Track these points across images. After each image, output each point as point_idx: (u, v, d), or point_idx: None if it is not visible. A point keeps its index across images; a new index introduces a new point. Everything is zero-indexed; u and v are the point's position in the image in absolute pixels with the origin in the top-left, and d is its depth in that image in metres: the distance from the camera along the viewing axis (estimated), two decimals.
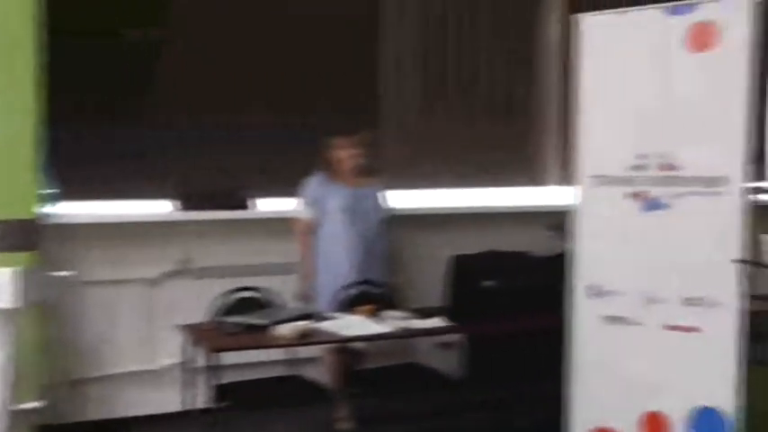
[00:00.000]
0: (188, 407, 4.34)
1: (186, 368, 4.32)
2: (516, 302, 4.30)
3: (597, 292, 3.99)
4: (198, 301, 4.55)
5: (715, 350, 3.68)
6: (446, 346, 4.84)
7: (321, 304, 4.71)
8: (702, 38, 3.72)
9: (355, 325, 4.29)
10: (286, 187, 4.96)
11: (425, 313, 4.45)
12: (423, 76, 5.70)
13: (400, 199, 5.19)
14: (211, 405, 4.12)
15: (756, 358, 3.81)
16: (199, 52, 5.19)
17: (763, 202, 4.12)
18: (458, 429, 4.81)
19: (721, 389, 3.67)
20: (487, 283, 4.41)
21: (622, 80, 3.93)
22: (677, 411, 3.79)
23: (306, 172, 4.87)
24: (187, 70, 5.21)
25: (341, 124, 5.10)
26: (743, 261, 3.37)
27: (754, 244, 2.99)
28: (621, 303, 3.92)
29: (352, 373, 4.73)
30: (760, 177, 6.14)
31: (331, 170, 4.87)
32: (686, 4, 3.78)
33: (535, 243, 4.89)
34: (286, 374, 4.56)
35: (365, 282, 4.75)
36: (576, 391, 4.05)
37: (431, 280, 4.83)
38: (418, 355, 4.91)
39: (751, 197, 3.69)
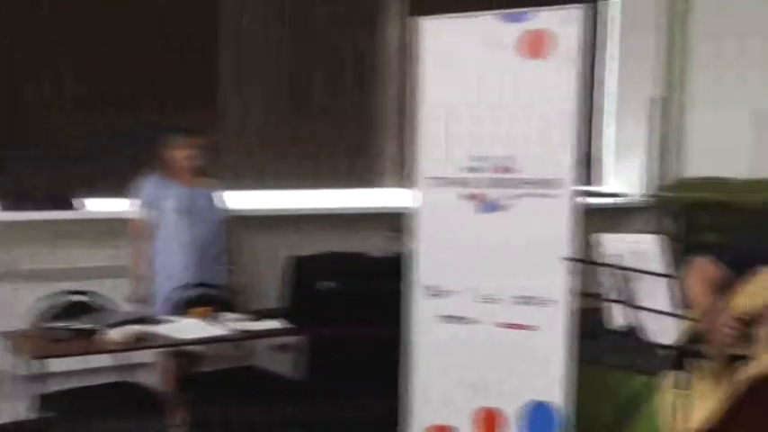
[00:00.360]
0: (10, 419, 4.09)
1: (6, 377, 4.07)
2: (355, 303, 4.29)
3: (434, 293, 4.05)
4: (24, 306, 4.29)
5: (547, 347, 3.82)
6: (284, 348, 4.78)
7: (156, 307, 4.55)
8: (536, 45, 3.85)
9: (190, 328, 4.17)
10: (117, 187, 4.77)
11: (263, 315, 4.38)
12: (263, 75, 5.62)
13: (238, 200, 5.09)
14: (35, 415, 3.90)
15: (587, 356, 3.97)
16: (23, 48, 4.91)
17: (593, 204, 4.29)
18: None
19: (553, 385, 3.81)
20: (326, 285, 4.38)
21: (459, 83, 4.00)
22: (511, 407, 3.90)
23: (138, 172, 4.70)
24: (7, 68, 4.91)
25: (178, 123, 4.95)
26: (573, 259, 3.49)
27: (586, 244, 3.09)
28: (458, 303, 4.00)
29: (187, 378, 4.59)
30: (588, 181, 6.44)
31: (167, 170, 4.72)
32: (521, 12, 3.90)
33: (374, 245, 4.91)
34: (117, 381, 4.38)
35: (201, 284, 4.63)
36: (413, 391, 4.09)
37: (269, 282, 4.77)
38: (256, 358, 4.82)
39: (581, 200, 3.84)
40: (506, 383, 3.89)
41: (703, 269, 2.67)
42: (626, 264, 2.39)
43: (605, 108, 6.75)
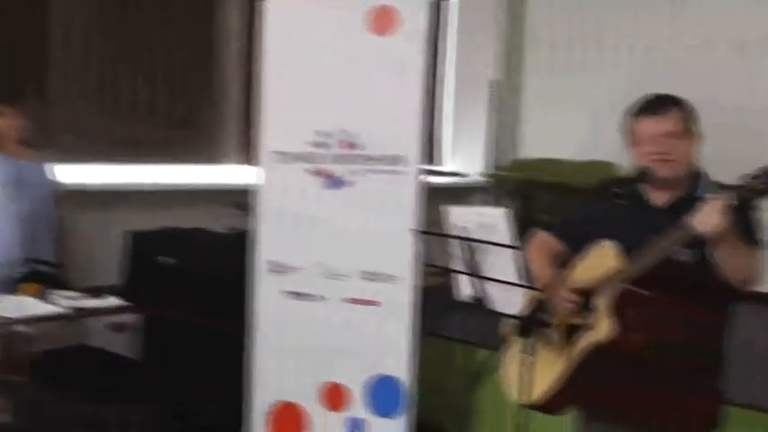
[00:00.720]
0: None
1: None
2: (196, 281, 4.20)
3: (279, 269, 4.00)
4: None
5: (392, 322, 3.85)
6: (121, 327, 4.61)
7: None
8: (383, 21, 3.85)
9: (18, 306, 3.96)
10: None
11: (98, 292, 4.20)
12: (97, 46, 5.38)
13: (73, 174, 4.86)
14: None
15: (434, 330, 4.05)
16: None
17: (434, 184, 4.35)
18: (133, 414, 4.60)
19: (398, 359, 3.85)
20: (165, 261, 4.26)
21: (305, 58, 3.95)
22: (356, 382, 3.92)
23: None
24: None
25: (3, 92, 4.67)
26: (421, 232, 3.53)
27: (431, 221, 3.12)
28: (303, 279, 3.96)
29: (14, 359, 4.36)
30: (431, 160, 6.55)
31: None
32: None
33: (218, 221, 4.81)
34: None
35: (31, 260, 4.39)
36: (257, 368, 4.04)
37: (107, 258, 4.59)
38: (90, 337, 4.63)
39: (426, 178, 3.89)
40: (352, 359, 3.90)
41: (543, 243, 2.76)
42: (473, 236, 2.43)
43: (446, 89, 6.86)
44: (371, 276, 3.87)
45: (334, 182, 3.92)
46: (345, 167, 3.90)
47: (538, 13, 6.71)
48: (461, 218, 2.45)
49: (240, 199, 4.33)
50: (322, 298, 3.94)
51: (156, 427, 4.11)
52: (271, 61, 4.00)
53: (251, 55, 4.63)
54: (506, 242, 2.36)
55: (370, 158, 3.87)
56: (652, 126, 2.54)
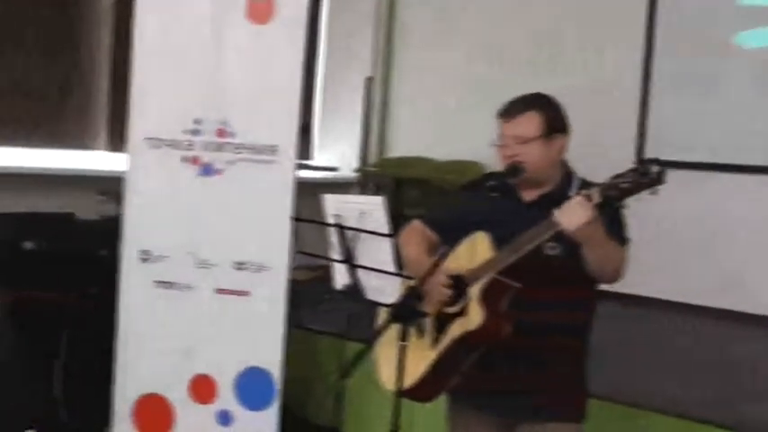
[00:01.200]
0: None
1: None
2: (62, 267, 4.06)
3: (149, 258, 3.92)
4: None
5: (263, 313, 3.82)
6: None
7: None
8: (260, 10, 3.83)
9: None
10: None
11: None
12: None
13: None
14: None
15: (305, 322, 4.05)
16: None
17: (307, 178, 4.33)
18: None
19: (267, 350, 3.82)
20: (28, 245, 4.10)
21: (180, 44, 3.89)
22: (225, 374, 3.87)
23: None
24: None
25: None
26: (296, 219, 3.52)
27: (303, 212, 3.10)
28: (173, 268, 3.89)
29: None
30: (307, 154, 6.53)
31: None
32: None
33: (87, 207, 4.66)
34: None
35: None
36: (124, 360, 3.93)
37: None
38: None
39: (298, 169, 3.88)
40: (222, 350, 3.85)
41: (418, 232, 2.80)
42: (348, 224, 2.44)
43: (319, 83, 6.86)
44: (243, 266, 3.83)
45: (208, 170, 3.86)
46: (219, 155, 3.85)
47: (410, 11, 6.81)
48: (337, 206, 2.46)
49: (110, 186, 4.22)
50: (192, 288, 3.87)
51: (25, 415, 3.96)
52: (143, 46, 3.91)
53: (123, 39, 4.51)
54: (382, 230, 2.38)
55: (245, 147, 3.83)
56: (505, 128, 2.64)
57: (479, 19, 6.41)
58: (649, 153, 5.43)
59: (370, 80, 6.81)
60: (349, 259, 2.46)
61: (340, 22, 6.84)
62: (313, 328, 4.34)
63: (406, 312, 2.33)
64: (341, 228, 2.43)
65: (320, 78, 6.81)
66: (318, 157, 6.92)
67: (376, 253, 2.40)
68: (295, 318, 3.99)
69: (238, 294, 3.84)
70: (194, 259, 3.87)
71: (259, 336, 3.84)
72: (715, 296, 5.25)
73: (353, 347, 4.15)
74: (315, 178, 6.42)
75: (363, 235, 2.40)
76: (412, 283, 2.48)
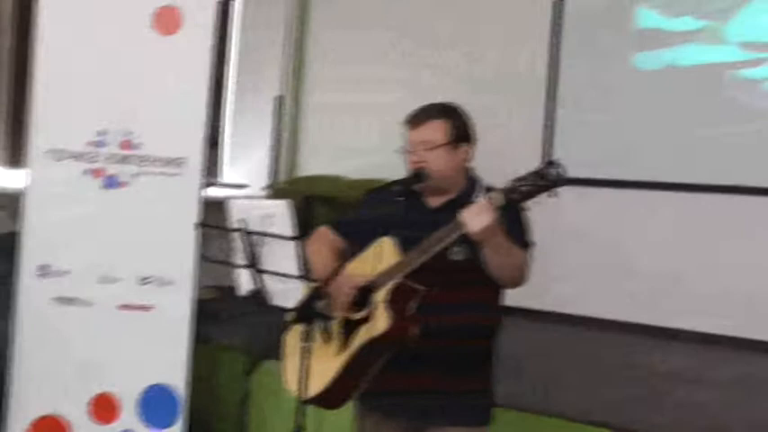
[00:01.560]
0: None
1: None
2: None
3: (48, 273, 3.81)
4: None
5: (167, 328, 3.77)
6: None
7: None
8: (167, 21, 3.81)
9: None
10: None
11: None
12: None
13: None
14: None
15: (203, 336, 3.99)
16: None
17: (215, 197, 4.25)
18: None
19: (172, 367, 3.76)
20: None
21: (85, 55, 3.82)
22: (127, 391, 3.79)
23: None
24: None
25: None
26: (201, 225, 3.47)
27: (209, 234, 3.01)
28: (74, 284, 3.81)
29: None
30: (215, 170, 6.47)
31: None
32: None
33: None
34: None
35: None
36: (19, 380, 3.80)
37: None
38: None
39: (205, 184, 3.85)
40: (125, 368, 3.77)
41: (325, 238, 2.81)
42: (254, 228, 2.42)
43: (229, 99, 6.81)
44: (147, 280, 3.77)
45: (112, 182, 3.79)
46: (124, 168, 3.79)
47: (321, 29, 6.84)
48: (242, 210, 2.44)
49: (8, 201, 4.10)
50: (94, 303, 3.79)
51: None
52: (46, 56, 3.83)
53: (23, 49, 4.39)
54: (287, 234, 2.37)
55: (150, 159, 3.78)
56: (412, 135, 2.68)
57: (390, 36, 6.47)
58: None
59: (279, 99, 6.81)
60: (254, 264, 2.44)
61: (250, 39, 6.82)
62: (218, 343, 4.27)
63: (309, 312, 2.32)
64: (246, 232, 2.40)
65: (230, 95, 6.75)
66: (228, 175, 6.86)
67: (281, 257, 2.38)
68: (201, 332, 3.94)
69: (142, 309, 3.77)
70: (97, 274, 3.78)
71: (163, 352, 3.78)
72: (617, 309, 5.39)
73: (262, 360, 4.12)
74: (224, 196, 6.34)
75: (268, 239, 2.38)
76: (318, 287, 2.47)
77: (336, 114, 6.72)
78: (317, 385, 2.56)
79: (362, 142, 6.42)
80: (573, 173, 5.37)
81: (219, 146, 6.72)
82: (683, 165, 5.33)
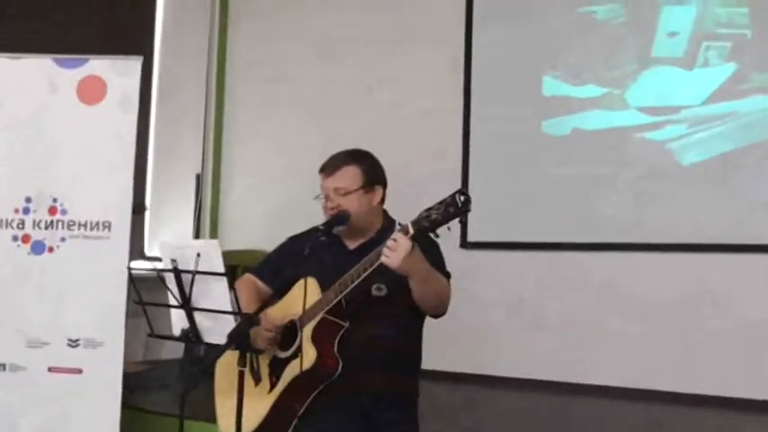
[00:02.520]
0: None
1: None
2: None
3: None
4: None
5: (97, 391, 3.79)
6: None
7: None
8: (92, 91, 3.94)
9: None
10: None
11: None
12: None
13: None
14: None
15: (132, 403, 4.01)
16: None
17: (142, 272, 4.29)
18: None
19: (104, 428, 3.76)
20: None
21: (13, 122, 3.93)
22: None
23: None
24: None
25: None
26: (133, 270, 3.50)
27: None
28: (2, 348, 3.81)
29: None
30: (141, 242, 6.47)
31: None
32: (77, 58, 3.97)
33: None
34: None
35: None
36: None
37: None
38: None
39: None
40: (56, 429, 3.76)
41: (250, 283, 2.94)
42: (184, 268, 2.53)
43: (150, 177, 6.80)
44: (76, 343, 3.81)
45: (39, 247, 3.85)
46: (51, 233, 3.86)
47: (238, 108, 7.02)
48: (173, 251, 2.54)
49: None
50: (24, 368, 3.80)
51: None
52: None
53: None
54: (218, 271, 2.48)
55: (77, 224, 3.86)
56: (326, 182, 2.85)
57: (307, 114, 6.68)
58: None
59: (198, 177, 6.91)
60: (186, 303, 2.54)
61: (168, 121, 6.90)
62: (147, 409, 4.28)
63: (243, 336, 2.42)
64: (177, 272, 2.51)
65: (150, 172, 6.78)
66: (150, 250, 6.85)
67: (212, 294, 2.49)
68: (129, 401, 3.97)
69: (72, 372, 3.80)
70: (25, 338, 3.81)
71: (93, 415, 3.79)
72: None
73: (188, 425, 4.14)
74: (147, 269, 6.32)
75: (199, 277, 2.49)
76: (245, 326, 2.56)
77: (257, 190, 6.86)
78: (250, 423, 2.65)
79: (283, 217, 6.52)
80: (486, 237, 5.67)
81: (142, 217, 6.71)
82: (592, 225, 5.59)
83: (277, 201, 6.70)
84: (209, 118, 7.01)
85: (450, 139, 6.03)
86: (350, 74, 6.49)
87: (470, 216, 5.28)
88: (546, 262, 5.70)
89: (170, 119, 6.82)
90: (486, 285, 5.73)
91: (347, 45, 6.51)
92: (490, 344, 5.67)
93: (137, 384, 4.42)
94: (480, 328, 5.61)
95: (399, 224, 2.74)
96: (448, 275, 2.78)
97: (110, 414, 3.78)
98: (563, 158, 5.73)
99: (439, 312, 2.76)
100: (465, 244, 5.75)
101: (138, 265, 5.80)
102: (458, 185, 5.87)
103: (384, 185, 2.90)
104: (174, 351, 6.17)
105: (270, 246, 6.13)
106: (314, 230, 2.83)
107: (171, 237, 6.63)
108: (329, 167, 2.86)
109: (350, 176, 2.82)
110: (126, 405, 3.88)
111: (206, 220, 6.93)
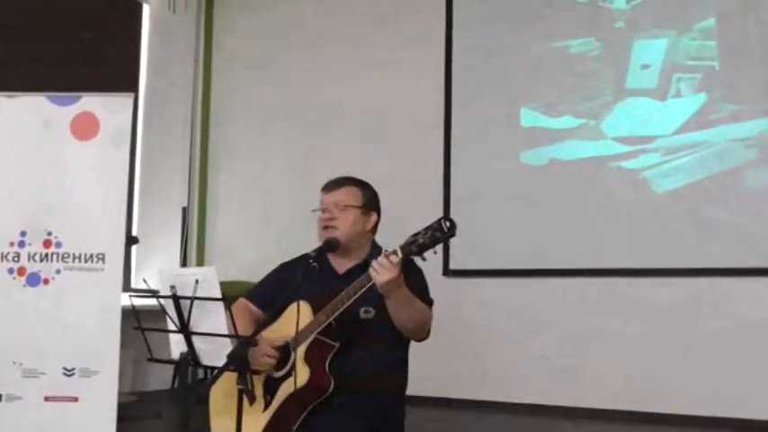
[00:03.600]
0: None
1: None
2: None
3: None
4: None
5: (93, 418, 3.86)
6: None
7: None
8: (85, 127, 4.05)
9: None
10: None
11: None
12: None
13: None
14: None
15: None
16: None
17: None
18: None
19: None
20: None
21: (7, 157, 4.02)
22: None
23: None
24: None
25: None
26: (132, 290, 3.62)
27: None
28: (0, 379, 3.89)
29: None
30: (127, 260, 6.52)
31: None
32: (70, 96, 4.09)
33: None
34: None
35: None
36: None
37: None
38: None
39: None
40: None
41: (243, 308, 3.07)
42: (182, 294, 2.64)
43: (136, 211, 6.89)
44: (71, 372, 3.89)
45: (35, 279, 3.95)
46: (46, 265, 3.95)
47: (223, 143, 7.17)
48: (172, 278, 2.66)
49: None
50: (19, 397, 3.87)
51: None
52: None
53: None
54: (216, 297, 2.60)
55: (71, 256, 3.96)
56: (327, 197, 3.01)
57: (295, 141, 6.83)
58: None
59: (185, 209, 7.02)
60: (184, 328, 2.65)
61: (154, 155, 7.00)
62: None
63: (242, 357, 2.53)
64: (176, 298, 2.63)
65: (136, 205, 6.87)
66: (135, 283, 6.92)
67: (210, 319, 2.60)
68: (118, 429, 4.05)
69: (68, 401, 3.88)
70: (21, 369, 3.89)
71: None
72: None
73: None
74: (147, 295, 6.38)
75: (197, 302, 2.61)
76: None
77: (243, 222, 6.98)
78: None
79: (269, 248, 6.63)
80: (468, 264, 5.79)
81: (129, 250, 6.77)
82: (570, 252, 5.74)
83: (263, 233, 6.82)
84: (194, 152, 7.14)
85: (431, 169, 6.19)
86: (331, 101, 6.65)
87: (452, 244, 5.46)
88: (527, 289, 5.85)
89: (156, 153, 6.94)
90: (467, 312, 5.86)
91: (331, 74, 6.69)
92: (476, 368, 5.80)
93: (125, 414, 4.49)
94: (463, 353, 5.74)
95: (386, 250, 2.88)
96: (430, 302, 2.92)
97: None
98: (541, 187, 5.90)
99: (418, 337, 2.90)
100: (447, 272, 5.90)
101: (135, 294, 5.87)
102: (439, 214, 6.02)
103: (379, 215, 3.05)
104: (163, 382, 6.26)
105: (256, 276, 6.27)
106: (305, 257, 2.96)
107: (159, 269, 6.70)
108: (332, 184, 3.02)
109: (351, 194, 2.99)
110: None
111: (192, 253, 7.03)
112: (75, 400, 3.88)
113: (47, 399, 3.88)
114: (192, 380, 5.00)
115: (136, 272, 6.83)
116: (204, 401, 3.07)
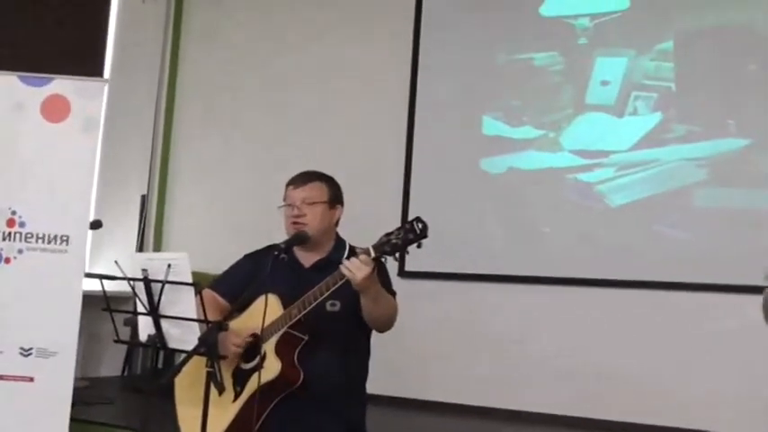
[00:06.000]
0: None
1: None
2: None
3: None
4: None
5: (48, 400, 3.88)
6: None
7: None
8: (56, 110, 4.07)
9: None
10: None
11: None
12: None
13: None
14: None
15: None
16: None
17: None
18: None
19: None
20: None
21: None
22: None
23: None
24: None
25: None
26: (99, 276, 3.62)
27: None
28: None
29: None
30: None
31: None
32: (42, 77, 4.11)
33: None
34: None
35: None
36: None
37: None
38: None
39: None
40: None
41: (210, 299, 3.12)
42: (154, 278, 2.69)
43: (94, 196, 6.83)
44: (29, 352, 3.90)
45: None
46: (9, 244, 3.96)
47: (185, 131, 7.17)
48: (143, 262, 2.71)
49: None
50: None
51: None
52: None
53: None
54: (187, 281, 2.65)
55: (35, 237, 3.97)
56: (294, 193, 3.08)
57: (255, 134, 6.86)
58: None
59: (144, 197, 7.01)
60: (154, 311, 2.70)
61: (116, 141, 6.97)
62: (94, 420, 4.38)
63: (213, 341, 2.58)
64: (147, 281, 2.68)
65: (95, 190, 6.81)
66: (90, 267, 6.87)
67: (181, 303, 2.66)
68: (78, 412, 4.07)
69: (22, 380, 3.88)
70: None
71: (43, 424, 3.87)
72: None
73: None
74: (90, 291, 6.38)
75: (168, 287, 2.66)
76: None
77: (202, 212, 6.99)
78: (216, 430, 2.81)
79: (228, 239, 6.65)
80: (424, 267, 5.88)
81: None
82: (524, 260, 5.86)
83: (222, 224, 6.83)
84: (156, 141, 7.13)
85: (392, 170, 6.27)
86: (296, 98, 6.71)
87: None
88: (480, 293, 5.94)
89: (117, 140, 6.91)
90: (422, 314, 5.94)
91: (295, 72, 6.75)
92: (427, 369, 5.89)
93: (77, 398, 4.50)
94: (418, 354, 5.83)
95: (351, 249, 2.97)
96: (394, 293, 3.02)
97: (60, 423, 3.86)
98: (499, 195, 6.02)
99: (385, 329, 3.00)
100: (402, 273, 5.98)
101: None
102: (398, 215, 6.13)
103: (342, 207, 3.13)
104: (114, 369, 6.26)
105: (213, 266, 6.29)
106: (272, 248, 3.02)
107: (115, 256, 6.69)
108: (299, 180, 3.09)
109: (318, 190, 3.06)
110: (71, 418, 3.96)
111: (150, 241, 7.01)
112: (31, 380, 3.89)
113: (1, 377, 3.89)
114: (151, 367, 5.01)
115: (91, 258, 6.80)
116: (165, 390, 3.08)
